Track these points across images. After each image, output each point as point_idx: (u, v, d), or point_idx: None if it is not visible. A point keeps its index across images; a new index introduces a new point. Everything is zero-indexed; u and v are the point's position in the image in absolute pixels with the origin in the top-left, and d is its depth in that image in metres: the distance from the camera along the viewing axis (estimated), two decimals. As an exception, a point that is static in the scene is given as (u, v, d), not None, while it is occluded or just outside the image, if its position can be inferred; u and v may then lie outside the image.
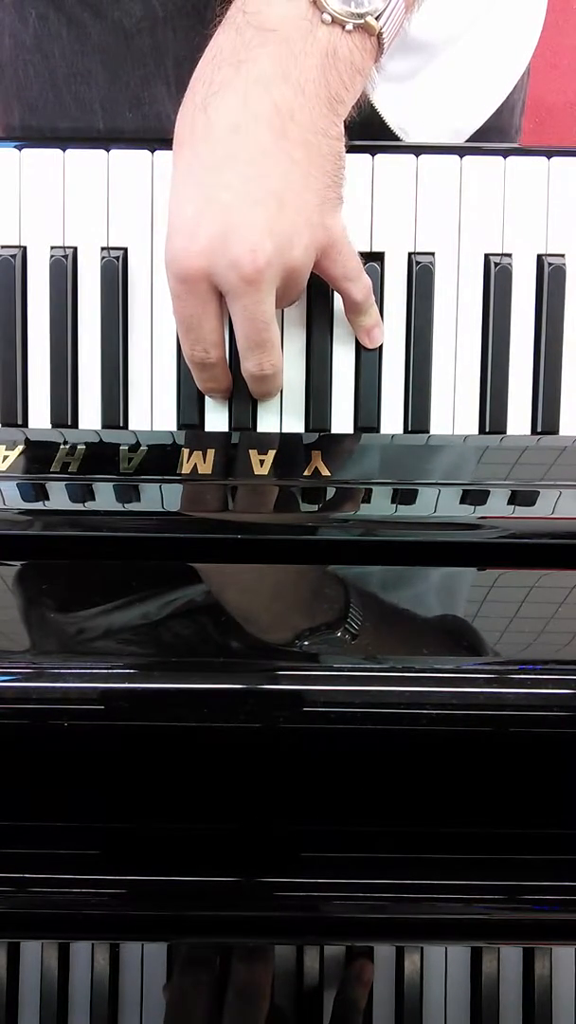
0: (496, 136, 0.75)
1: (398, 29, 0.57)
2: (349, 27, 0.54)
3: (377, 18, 0.55)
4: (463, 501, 0.59)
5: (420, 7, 0.59)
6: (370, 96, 0.68)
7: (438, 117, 0.72)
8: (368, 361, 0.63)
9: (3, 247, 0.64)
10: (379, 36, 0.55)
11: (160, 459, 0.61)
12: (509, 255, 0.64)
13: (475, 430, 0.64)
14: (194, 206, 0.54)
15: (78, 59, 0.69)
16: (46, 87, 0.71)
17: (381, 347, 0.64)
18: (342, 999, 0.53)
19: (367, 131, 0.69)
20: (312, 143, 0.55)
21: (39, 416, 0.64)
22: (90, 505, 0.58)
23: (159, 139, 0.63)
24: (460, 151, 0.64)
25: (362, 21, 0.54)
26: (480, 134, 0.74)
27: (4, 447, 0.61)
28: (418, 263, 0.63)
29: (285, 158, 0.54)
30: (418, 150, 0.64)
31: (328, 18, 0.54)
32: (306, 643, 0.50)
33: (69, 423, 0.64)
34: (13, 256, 0.64)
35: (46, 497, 0.59)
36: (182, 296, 0.56)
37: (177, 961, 0.54)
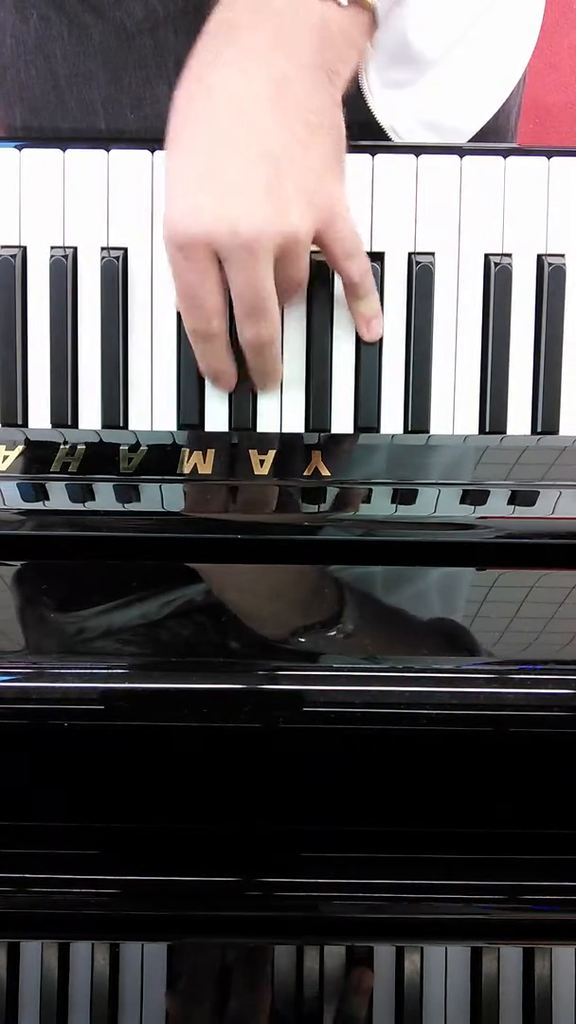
0: (493, 139, 0.75)
1: (391, 4, 0.58)
2: (343, 2, 0.55)
3: None
4: (463, 501, 0.59)
5: None
6: (367, 95, 0.68)
7: (435, 123, 0.72)
8: (368, 361, 0.63)
9: (3, 247, 0.64)
10: (372, 11, 0.56)
11: (160, 459, 0.61)
12: (509, 255, 0.64)
13: (475, 430, 0.64)
14: (193, 176, 0.55)
15: (80, 60, 0.69)
16: (48, 88, 0.71)
17: (381, 347, 0.64)
18: (342, 1011, 0.53)
19: (367, 131, 0.69)
20: (310, 111, 0.55)
21: (39, 416, 0.64)
22: (90, 505, 0.58)
23: (159, 139, 0.63)
24: (460, 151, 0.64)
25: None
26: (476, 138, 0.74)
27: (4, 447, 0.61)
28: (418, 263, 0.63)
29: (284, 129, 0.55)
30: (418, 150, 0.64)
31: None
32: (306, 643, 0.50)
33: (69, 423, 0.64)
34: (13, 256, 0.64)
35: (46, 497, 0.59)
36: (182, 265, 0.56)
37: (180, 973, 0.54)
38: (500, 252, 0.64)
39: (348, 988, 0.54)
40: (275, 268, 0.56)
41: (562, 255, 0.64)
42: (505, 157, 0.64)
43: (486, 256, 0.64)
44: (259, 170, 0.54)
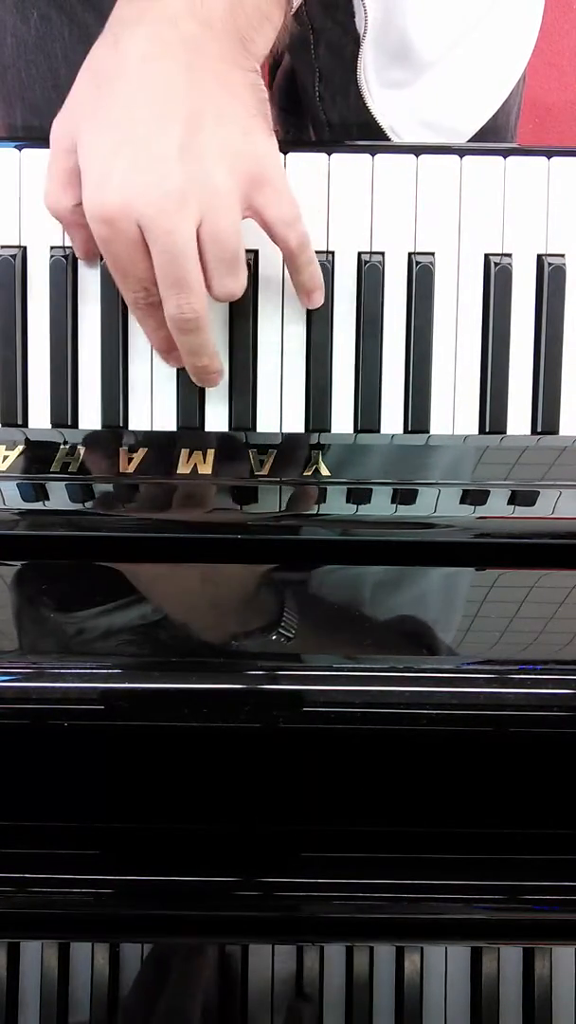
0: (491, 139, 0.75)
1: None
2: None
3: None
4: (463, 501, 0.59)
5: None
6: (366, 95, 0.68)
7: (434, 123, 0.72)
8: (368, 361, 0.63)
9: (3, 247, 0.64)
10: None
11: (160, 459, 0.61)
12: (509, 255, 0.64)
13: (475, 430, 0.64)
14: (108, 145, 0.54)
15: (80, 59, 0.69)
16: (48, 87, 0.71)
17: (381, 347, 0.64)
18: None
19: (367, 132, 0.69)
20: (223, 73, 0.54)
21: (39, 416, 0.64)
22: (90, 505, 0.58)
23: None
24: (460, 151, 0.64)
25: None
26: (476, 138, 0.74)
27: (4, 447, 0.61)
28: (418, 263, 0.63)
29: (197, 89, 0.54)
30: (418, 150, 0.64)
31: None
32: (306, 643, 0.50)
33: (69, 423, 0.64)
34: (13, 256, 0.64)
35: (46, 497, 0.59)
36: (108, 239, 0.55)
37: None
38: (500, 252, 0.64)
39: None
40: (199, 235, 0.54)
41: (562, 255, 0.64)
42: (505, 157, 0.63)
43: (486, 256, 0.64)
44: (172, 131, 0.53)
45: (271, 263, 0.63)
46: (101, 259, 0.63)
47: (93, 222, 0.55)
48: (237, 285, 0.58)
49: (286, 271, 0.63)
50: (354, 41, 0.65)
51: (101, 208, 0.54)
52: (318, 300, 0.62)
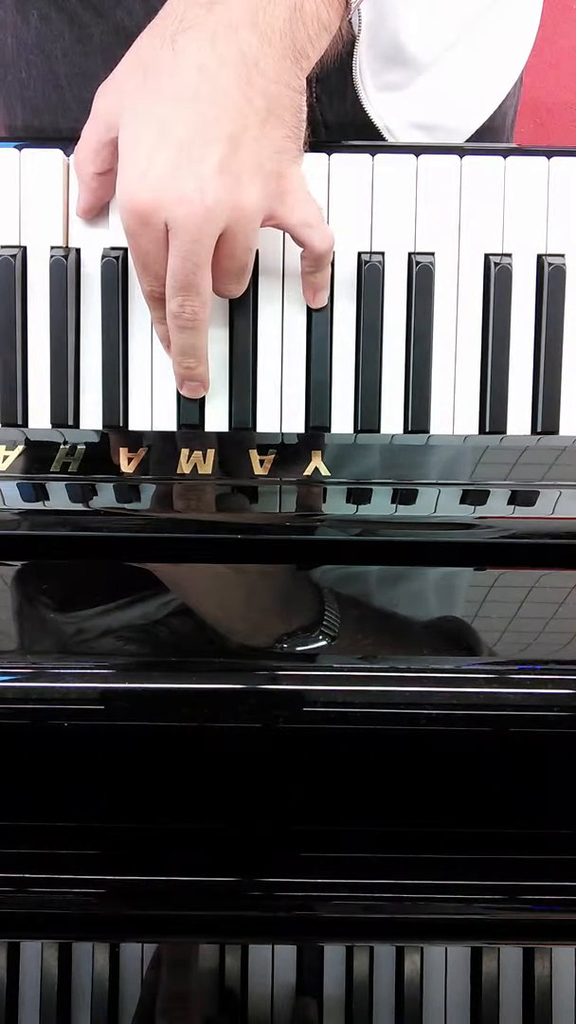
0: (488, 139, 0.75)
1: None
2: None
3: None
4: (463, 501, 0.59)
5: None
6: (362, 97, 0.68)
7: (430, 126, 0.72)
8: (368, 361, 0.63)
9: (3, 247, 0.64)
10: None
11: (160, 459, 0.61)
12: (509, 255, 0.64)
13: (475, 430, 0.64)
14: (149, 140, 0.55)
15: (80, 59, 0.69)
16: (49, 87, 0.71)
17: (381, 347, 0.64)
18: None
19: (365, 133, 0.69)
20: (273, 93, 0.56)
21: (39, 416, 0.64)
22: (90, 505, 0.58)
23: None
24: (460, 151, 0.64)
25: None
26: (473, 138, 0.74)
27: (4, 447, 0.61)
28: (418, 263, 0.63)
29: (246, 103, 0.55)
30: (418, 150, 0.64)
31: None
32: (306, 643, 0.50)
33: (69, 423, 0.64)
34: (13, 256, 0.64)
35: (46, 497, 0.59)
36: (136, 232, 0.56)
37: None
38: (500, 252, 0.64)
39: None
40: (217, 246, 0.56)
41: (562, 255, 0.64)
42: (505, 157, 0.63)
43: (486, 256, 0.64)
44: (217, 144, 0.54)
45: (271, 264, 0.63)
46: (102, 259, 0.64)
47: (124, 211, 0.56)
48: (239, 289, 0.61)
49: (286, 272, 0.63)
50: (350, 42, 0.65)
51: (135, 201, 0.55)
52: (323, 300, 0.63)
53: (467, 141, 0.73)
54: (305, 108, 0.58)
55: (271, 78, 0.55)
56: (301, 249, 0.61)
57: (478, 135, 0.74)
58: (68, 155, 0.64)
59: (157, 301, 0.60)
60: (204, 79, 0.54)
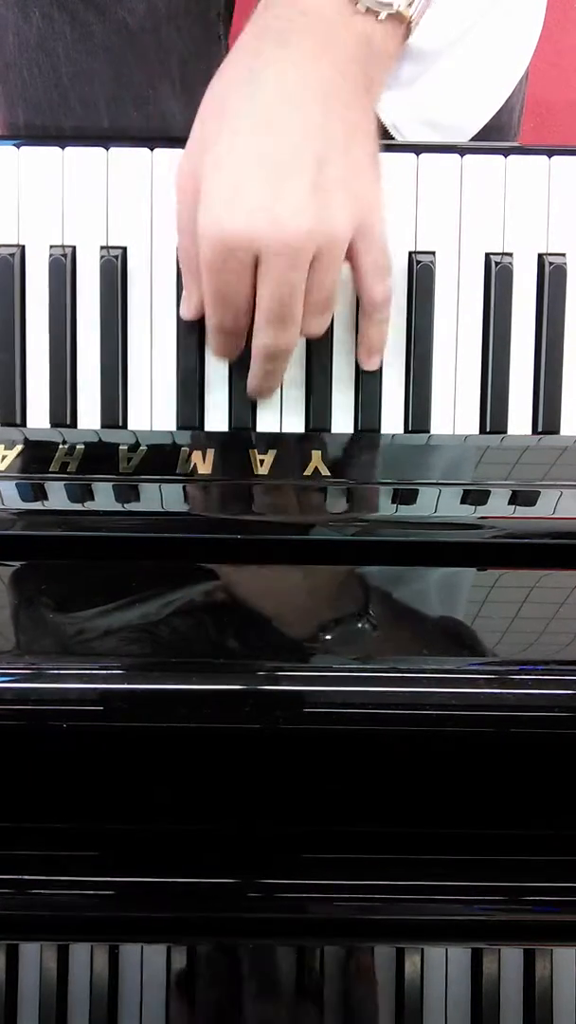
0: (495, 138, 0.75)
1: (425, 8, 0.58)
2: (382, 16, 0.56)
3: (409, 5, 0.56)
4: (463, 501, 0.58)
5: None
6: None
7: (436, 121, 0.72)
8: (368, 361, 0.63)
9: (2, 246, 0.64)
10: (408, 22, 0.57)
11: (160, 459, 0.60)
12: (510, 254, 0.64)
13: (475, 430, 0.64)
14: (236, 172, 0.54)
15: (82, 58, 0.69)
16: (50, 86, 0.71)
17: (381, 347, 0.63)
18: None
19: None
20: (352, 121, 0.56)
21: (38, 416, 0.64)
22: (89, 505, 0.58)
23: (159, 137, 0.63)
24: (460, 150, 0.64)
25: (394, 11, 0.56)
26: (478, 137, 0.74)
27: (3, 447, 0.61)
28: (418, 263, 0.63)
29: (329, 131, 0.54)
30: (418, 149, 0.64)
31: (362, 8, 0.55)
32: (306, 643, 0.50)
33: (68, 423, 0.64)
34: (12, 255, 0.64)
35: (45, 497, 0.58)
36: (220, 266, 0.54)
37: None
38: (501, 251, 0.64)
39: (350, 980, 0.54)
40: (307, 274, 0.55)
41: (563, 254, 0.64)
42: (506, 156, 0.63)
43: (487, 255, 0.64)
44: (307, 169, 0.53)
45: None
46: (100, 257, 0.63)
47: (209, 242, 0.54)
48: (323, 326, 0.59)
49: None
50: None
51: (223, 230, 0.53)
52: (376, 363, 0.62)
53: (474, 139, 0.73)
54: (377, 133, 0.58)
55: (348, 107, 0.55)
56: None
57: (485, 133, 0.74)
58: (66, 153, 0.63)
59: (229, 335, 0.58)
60: (288, 110, 0.54)
